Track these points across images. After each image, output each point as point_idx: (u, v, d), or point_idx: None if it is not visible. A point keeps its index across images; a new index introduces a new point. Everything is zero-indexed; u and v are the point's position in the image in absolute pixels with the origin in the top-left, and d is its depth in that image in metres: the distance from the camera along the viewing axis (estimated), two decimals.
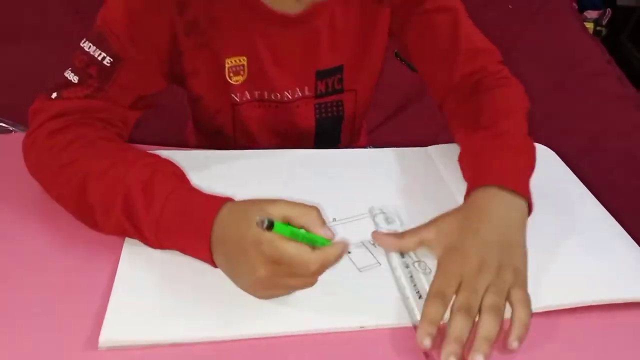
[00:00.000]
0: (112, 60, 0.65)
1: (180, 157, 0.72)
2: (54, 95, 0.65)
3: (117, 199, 0.57)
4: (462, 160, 0.73)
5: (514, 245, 0.61)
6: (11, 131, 1.06)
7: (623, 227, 0.73)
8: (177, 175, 0.61)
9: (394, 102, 1.48)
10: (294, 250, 0.50)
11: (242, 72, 0.75)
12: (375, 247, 0.64)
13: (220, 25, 0.70)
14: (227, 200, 0.56)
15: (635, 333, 0.60)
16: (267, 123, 0.82)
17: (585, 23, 2.41)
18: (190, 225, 0.55)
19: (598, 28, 2.75)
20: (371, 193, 0.72)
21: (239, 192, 0.66)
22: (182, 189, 0.58)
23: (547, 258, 0.65)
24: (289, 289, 0.55)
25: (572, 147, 1.29)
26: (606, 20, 2.79)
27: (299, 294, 0.55)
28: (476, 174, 0.67)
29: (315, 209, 0.53)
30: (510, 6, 2.12)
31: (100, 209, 0.58)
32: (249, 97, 0.78)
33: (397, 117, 1.48)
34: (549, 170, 0.82)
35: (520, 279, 0.58)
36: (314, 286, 0.54)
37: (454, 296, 0.56)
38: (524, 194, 0.64)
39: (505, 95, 0.75)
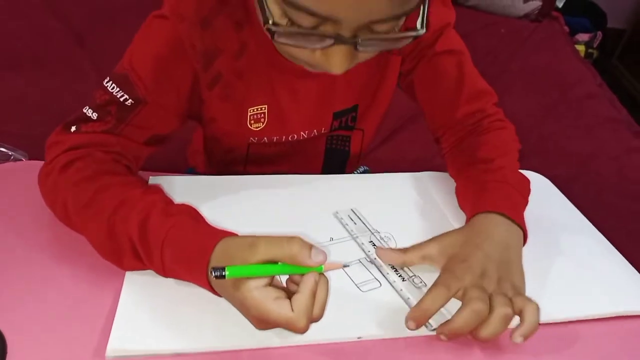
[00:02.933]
0: (133, 102, 0.66)
1: (185, 182, 0.75)
2: (73, 128, 0.66)
3: (125, 246, 0.58)
4: (461, 190, 0.76)
5: (513, 264, 0.64)
6: (10, 156, 1.06)
7: (616, 247, 0.75)
8: (168, 214, 0.58)
9: (390, 124, 1.50)
10: (277, 314, 0.50)
11: (262, 120, 0.77)
12: (372, 264, 0.66)
13: (243, 78, 0.72)
14: (217, 242, 0.54)
15: (624, 340, 0.63)
16: (280, 156, 0.84)
17: (576, 46, 2.45)
18: (188, 271, 0.56)
19: (589, 50, 2.79)
20: (367, 215, 0.74)
21: (241, 216, 0.69)
22: (173, 235, 0.56)
23: (542, 278, 0.67)
24: None
25: (564, 170, 1.31)
26: (597, 42, 2.83)
27: None
28: (478, 202, 0.70)
29: (296, 240, 0.52)
30: (502, 30, 2.15)
31: (114, 253, 0.59)
32: (266, 140, 0.80)
33: (394, 138, 1.50)
34: (544, 197, 0.84)
35: (519, 293, 0.61)
36: None
37: (454, 294, 0.59)
38: (521, 224, 0.67)
39: (501, 136, 0.79)
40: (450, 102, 0.81)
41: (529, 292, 0.63)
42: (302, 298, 0.51)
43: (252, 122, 0.77)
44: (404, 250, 0.65)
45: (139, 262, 0.58)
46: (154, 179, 0.74)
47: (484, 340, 0.57)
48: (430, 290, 0.58)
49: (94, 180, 0.62)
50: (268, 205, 0.73)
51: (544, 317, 0.61)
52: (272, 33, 0.54)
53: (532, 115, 1.71)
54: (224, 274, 0.50)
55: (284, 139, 0.81)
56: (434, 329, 0.57)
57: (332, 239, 0.69)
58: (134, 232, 0.57)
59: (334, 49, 0.55)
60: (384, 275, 0.64)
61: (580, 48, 2.68)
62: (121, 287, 0.58)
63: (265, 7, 0.53)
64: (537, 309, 0.57)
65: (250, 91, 0.73)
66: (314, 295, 0.52)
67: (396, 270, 0.65)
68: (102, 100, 0.66)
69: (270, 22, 0.53)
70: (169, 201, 0.61)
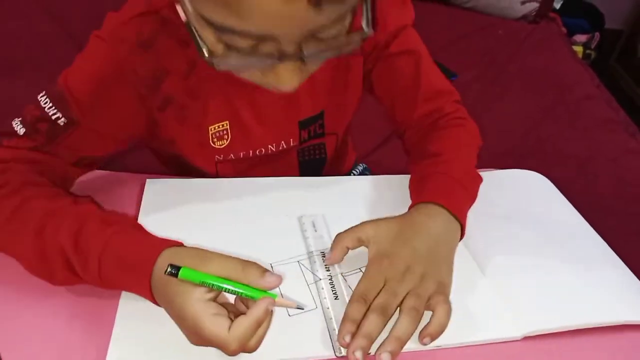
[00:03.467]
0: (65, 121, 0.63)
1: (172, 184, 0.75)
2: None
3: (56, 259, 0.56)
4: (410, 185, 0.76)
5: (442, 259, 0.64)
6: None
7: (614, 250, 0.75)
8: (107, 222, 0.57)
9: (388, 127, 1.49)
10: (209, 331, 0.49)
11: (225, 137, 0.75)
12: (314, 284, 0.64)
13: (198, 95, 0.70)
14: (163, 249, 0.54)
15: (624, 354, 0.61)
16: (252, 173, 0.82)
17: (574, 47, 2.46)
18: (131, 277, 0.54)
19: (587, 51, 2.79)
20: (352, 217, 0.71)
21: (229, 219, 0.69)
22: (115, 242, 0.55)
23: (539, 283, 0.66)
24: None
25: (562, 171, 1.31)
26: (595, 43, 2.84)
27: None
28: (417, 192, 0.70)
29: (253, 267, 0.52)
30: (500, 32, 2.15)
31: (44, 267, 0.57)
32: (233, 157, 0.78)
33: (391, 141, 1.50)
34: (543, 197, 0.84)
35: (442, 290, 0.61)
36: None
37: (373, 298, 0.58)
38: (459, 217, 0.67)
39: (457, 133, 0.79)
40: (407, 103, 0.81)
41: (526, 299, 0.63)
42: (245, 323, 0.50)
43: (215, 140, 0.75)
44: (343, 234, 0.64)
45: (73, 274, 0.56)
46: (151, 182, 0.74)
47: (394, 345, 0.54)
48: (350, 300, 0.58)
49: (16, 193, 0.59)
50: (256, 211, 0.73)
51: (538, 327, 0.60)
52: (212, 63, 0.51)
53: (530, 116, 1.71)
54: (176, 272, 0.50)
55: (251, 154, 0.79)
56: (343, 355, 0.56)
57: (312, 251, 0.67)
58: (66, 242, 0.55)
59: (280, 66, 0.52)
60: (320, 299, 0.62)
61: (578, 49, 2.69)
62: (117, 302, 0.58)
63: (197, 37, 0.50)
64: (448, 311, 0.58)
65: (208, 110, 0.71)
66: (258, 324, 0.51)
67: (334, 292, 0.62)
68: (32, 116, 0.63)
69: (205, 52, 0.51)
70: (105, 211, 0.61)
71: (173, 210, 0.70)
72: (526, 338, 0.60)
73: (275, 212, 0.72)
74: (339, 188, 0.80)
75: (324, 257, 0.66)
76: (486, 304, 0.63)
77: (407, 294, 0.58)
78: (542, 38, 2.16)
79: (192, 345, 0.53)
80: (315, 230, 0.70)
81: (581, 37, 2.80)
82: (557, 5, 2.62)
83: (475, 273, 0.67)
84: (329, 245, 0.66)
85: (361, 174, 1.06)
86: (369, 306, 0.57)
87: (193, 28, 0.50)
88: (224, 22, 0.47)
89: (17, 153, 0.63)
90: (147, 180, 0.74)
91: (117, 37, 0.63)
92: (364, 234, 0.64)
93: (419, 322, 0.57)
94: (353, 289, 0.60)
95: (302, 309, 0.59)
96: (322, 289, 0.62)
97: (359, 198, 0.78)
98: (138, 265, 0.53)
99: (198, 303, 0.50)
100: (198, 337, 0.50)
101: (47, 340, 0.54)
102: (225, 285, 0.51)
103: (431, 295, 0.59)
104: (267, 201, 0.74)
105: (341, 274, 0.64)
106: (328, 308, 0.60)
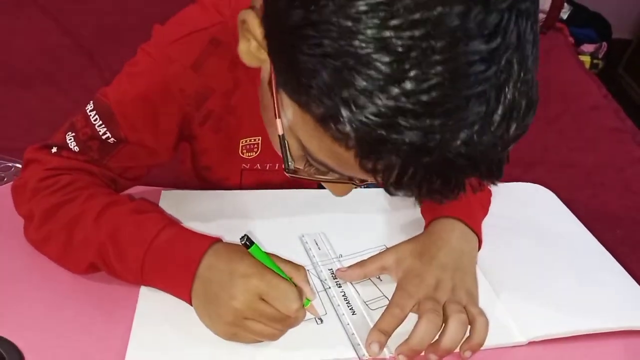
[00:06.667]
0: (115, 140, 0.65)
1: (187, 196, 0.76)
2: (54, 150, 0.65)
3: (102, 232, 0.58)
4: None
5: (467, 271, 0.66)
6: None
7: (620, 259, 0.75)
8: (168, 218, 0.63)
9: None
10: (282, 282, 0.55)
11: (255, 149, 0.77)
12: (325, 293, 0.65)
13: (236, 112, 0.71)
14: (215, 240, 0.59)
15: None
16: (274, 183, 0.84)
17: (581, 57, 2.46)
18: (179, 253, 0.57)
19: (595, 61, 2.79)
20: (372, 230, 0.75)
21: (243, 230, 0.69)
22: (173, 225, 0.60)
23: (543, 290, 0.68)
24: (254, 335, 0.55)
25: (569, 181, 1.31)
26: (602, 53, 2.83)
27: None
28: (435, 208, 0.71)
29: (303, 269, 0.59)
30: None
31: (83, 242, 0.59)
32: (259, 167, 0.80)
33: None
34: (547, 210, 0.85)
35: (473, 300, 0.63)
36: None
37: (409, 313, 0.60)
38: (475, 229, 0.69)
39: None
40: None
41: (530, 306, 0.64)
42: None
43: (245, 151, 0.77)
44: (363, 263, 0.66)
45: (114, 248, 0.58)
46: (166, 194, 0.76)
47: (445, 352, 0.57)
48: (384, 311, 0.60)
49: (83, 189, 0.63)
50: (273, 221, 0.74)
51: (546, 332, 0.62)
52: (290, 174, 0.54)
53: (537, 127, 1.70)
54: (249, 244, 0.54)
55: (277, 167, 0.81)
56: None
57: (341, 255, 0.70)
58: (125, 220, 0.59)
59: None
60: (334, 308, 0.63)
61: (586, 59, 2.69)
62: (135, 304, 0.59)
63: (287, 153, 0.51)
64: (487, 323, 0.59)
65: (243, 124, 0.73)
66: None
67: (348, 303, 0.63)
68: (84, 134, 0.65)
69: (291, 167, 0.52)
70: (157, 207, 0.64)
71: (188, 221, 0.71)
72: (531, 343, 0.61)
73: (286, 224, 0.74)
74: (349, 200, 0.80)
75: (330, 269, 0.67)
76: (492, 311, 0.64)
77: (444, 303, 0.60)
78: (549, 48, 2.17)
79: (206, 344, 0.55)
80: (317, 247, 0.72)
81: (589, 47, 2.80)
82: (564, 15, 2.62)
83: (481, 282, 0.68)
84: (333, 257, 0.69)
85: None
86: (404, 318, 0.60)
87: (285, 143, 0.51)
88: (320, 157, 0.48)
89: (77, 164, 0.65)
90: (163, 192, 0.76)
91: (166, 56, 0.64)
92: (386, 262, 0.66)
93: (467, 328, 0.59)
94: (362, 296, 0.63)
95: (322, 320, 0.61)
96: (334, 296, 0.64)
97: (368, 210, 0.79)
98: (190, 247, 0.58)
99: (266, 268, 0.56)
100: (254, 300, 0.53)
101: (68, 342, 0.56)
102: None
103: (465, 306, 0.61)
104: (280, 213, 0.76)
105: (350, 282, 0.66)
106: (343, 314, 0.62)
